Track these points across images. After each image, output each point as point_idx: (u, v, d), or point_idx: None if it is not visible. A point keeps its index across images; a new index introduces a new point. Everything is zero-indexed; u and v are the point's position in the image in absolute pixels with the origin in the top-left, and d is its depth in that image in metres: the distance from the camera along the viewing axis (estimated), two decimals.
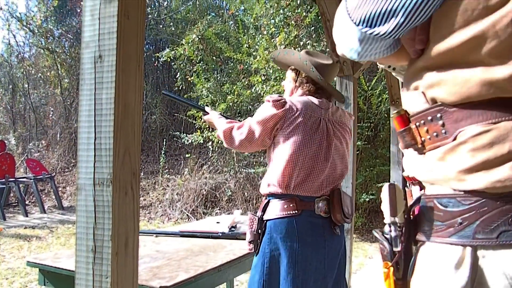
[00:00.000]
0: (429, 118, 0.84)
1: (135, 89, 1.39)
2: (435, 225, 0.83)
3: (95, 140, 1.34)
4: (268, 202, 1.95)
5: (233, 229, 2.59)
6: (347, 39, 0.88)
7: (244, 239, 2.48)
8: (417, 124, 0.87)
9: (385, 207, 0.93)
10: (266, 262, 1.87)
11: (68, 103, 12.83)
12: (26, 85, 13.43)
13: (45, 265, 1.91)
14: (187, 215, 8.40)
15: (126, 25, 1.34)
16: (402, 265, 0.92)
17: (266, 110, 1.98)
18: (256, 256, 1.93)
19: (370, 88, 7.86)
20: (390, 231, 0.93)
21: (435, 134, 0.84)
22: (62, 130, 12.54)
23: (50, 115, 13.30)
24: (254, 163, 8.48)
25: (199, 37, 9.05)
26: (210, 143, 8.56)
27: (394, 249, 0.92)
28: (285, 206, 1.90)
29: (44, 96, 13.71)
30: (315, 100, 2.03)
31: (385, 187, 0.95)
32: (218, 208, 8.48)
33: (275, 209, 1.91)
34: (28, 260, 1.98)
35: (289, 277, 1.84)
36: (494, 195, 0.75)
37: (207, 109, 2.45)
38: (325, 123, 2.00)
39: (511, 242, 0.72)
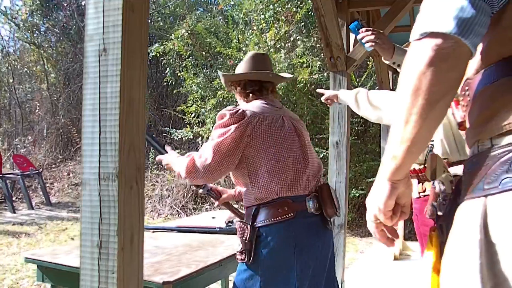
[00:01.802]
0: None
1: (140, 83, 1.37)
2: (463, 187, 0.94)
3: (99, 134, 1.32)
4: (258, 208, 1.85)
5: (230, 224, 2.58)
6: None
7: None
8: None
9: (427, 171, 1.12)
10: (263, 272, 1.78)
11: (55, 98, 12.68)
12: (12, 80, 13.25)
13: (44, 261, 1.89)
14: (177, 210, 8.38)
15: (130, 18, 1.33)
16: (445, 228, 1.00)
17: (225, 124, 1.86)
18: (248, 264, 1.80)
19: (360, 84, 7.90)
20: (438, 196, 1.10)
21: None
22: (48, 125, 12.41)
23: (36, 111, 13.14)
24: None
25: (188, 32, 9.00)
26: (200, 138, 8.53)
27: (439, 213, 1.08)
28: (279, 210, 1.81)
29: (30, 91, 13.54)
30: (265, 102, 2.00)
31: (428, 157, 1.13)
32: (208, 203, 8.47)
33: (268, 214, 1.82)
34: (26, 257, 1.96)
35: (288, 281, 1.78)
36: (494, 149, 0.86)
37: (167, 148, 2.22)
38: (287, 120, 1.97)
39: (510, 187, 0.82)
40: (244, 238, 1.80)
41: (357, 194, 7.49)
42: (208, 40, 8.79)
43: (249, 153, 1.87)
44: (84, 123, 1.36)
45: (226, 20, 9.53)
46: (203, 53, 9.24)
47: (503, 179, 0.83)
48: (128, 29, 1.32)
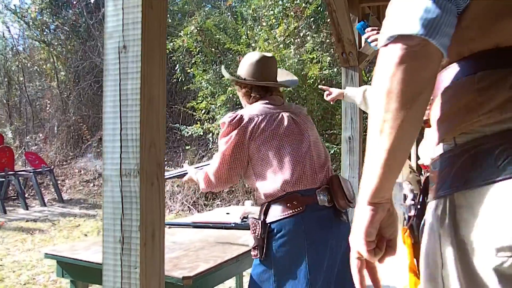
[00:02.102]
0: None
1: (159, 79, 1.39)
2: (430, 187, 0.93)
3: (121, 131, 1.34)
4: (269, 204, 1.88)
5: (245, 219, 2.59)
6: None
7: None
8: None
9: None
10: (276, 267, 1.81)
11: (65, 95, 12.76)
12: (22, 78, 13.34)
13: (63, 256, 1.92)
14: (188, 207, 8.41)
15: (150, 15, 1.34)
16: (416, 228, 1.00)
17: (227, 133, 1.94)
18: (261, 260, 1.83)
19: (369, 79, 7.87)
20: (406, 198, 1.05)
21: None
22: (59, 123, 12.48)
23: (47, 108, 13.23)
24: None
25: (198, 28, 9.00)
26: (210, 134, 8.55)
27: (409, 214, 1.02)
28: (288, 205, 1.82)
29: (40, 89, 13.62)
30: (265, 103, 2.02)
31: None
32: (219, 199, 8.49)
33: (278, 210, 1.84)
34: (46, 252, 1.99)
35: (300, 274, 1.79)
36: (458, 147, 0.86)
37: (185, 166, 2.36)
38: (287, 116, 1.98)
39: (474, 184, 0.82)
40: (256, 234, 1.83)
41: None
42: (218, 36, 8.80)
43: (252, 154, 1.92)
44: (105, 120, 1.37)
45: (235, 16, 9.53)
46: (213, 49, 9.25)
47: (468, 177, 0.83)
48: (148, 26, 1.33)
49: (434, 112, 0.95)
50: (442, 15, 0.80)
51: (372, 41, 2.16)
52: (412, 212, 1.02)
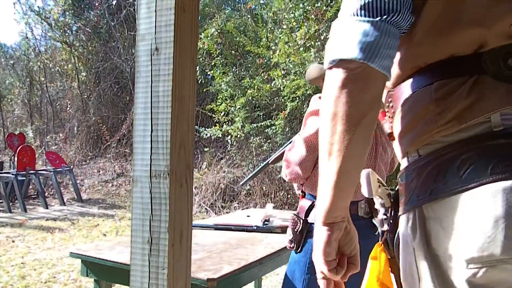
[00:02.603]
0: None
1: (190, 81, 1.39)
2: (400, 200, 0.94)
3: (151, 132, 1.34)
4: (313, 205, 1.94)
5: (266, 222, 2.59)
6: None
7: (279, 233, 2.50)
8: None
9: (364, 189, 1.05)
10: (309, 261, 1.88)
11: (85, 96, 12.92)
12: (43, 79, 13.53)
13: (89, 256, 1.94)
14: (206, 209, 8.43)
15: (182, 17, 1.34)
16: (390, 242, 0.98)
17: (312, 113, 1.96)
18: (297, 253, 1.95)
19: None
20: (378, 212, 1.05)
21: None
22: (79, 123, 12.64)
23: (67, 108, 13.40)
24: None
25: (218, 31, 9.04)
26: (229, 137, 8.57)
27: (382, 229, 1.03)
28: None
29: (61, 89, 13.81)
30: None
31: (362, 174, 1.03)
32: (236, 202, 8.50)
33: None
34: (71, 252, 2.01)
35: None
36: (422, 158, 0.86)
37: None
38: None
39: (439, 196, 0.82)
40: (295, 229, 1.93)
41: None
42: (238, 39, 8.82)
43: None
44: (136, 121, 1.38)
45: (255, 19, 9.54)
46: (233, 51, 9.28)
47: (433, 188, 0.83)
48: (180, 29, 1.33)
49: (396, 124, 0.95)
50: (381, 38, 0.81)
51: None
52: (385, 227, 1.01)
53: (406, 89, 0.91)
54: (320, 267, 0.94)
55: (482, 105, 0.80)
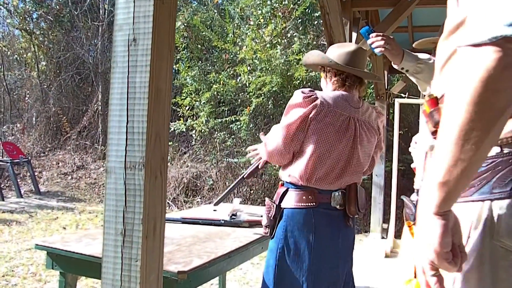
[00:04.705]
0: None
1: (167, 73, 1.39)
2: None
3: (127, 123, 1.33)
4: (287, 190, 1.99)
5: (234, 217, 2.60)
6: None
7: (246, 227, 2.52)
8: None
9: (418, 173, 1.03)
10: (280, 248, 1.93)
11: (45, 86, 12.56)
12: (0, 67, 13.08)
13: (55, 248, 1.90)
14: (168, 203, 8.37)
15: (161, 8, 1.34)
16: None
17: (295, 106, 1.95)
18: (271, 240, 2.00)
19: None
20: (417, 195, 1.03)
21: None
22: (38, 114, 12.29)
23: (26, 98, 13.00)
24: (236, 153, 8.49)
25: (185, 24, 8.97)
26: (193, 131, 8.53)
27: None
28: (304, 198, 1.94)
29: (19, 78, 13.38)
30: (346, 97, 2.01)
31: (422, 155, 1.01)
32: (199, 197, 8.47)
33: (293, 199, 1.95)
34: (36, 243, 1.96)
35: (304, 265, 1.90)
36: (506, 155, 0.87)
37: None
38: (354, 122, 1.99)
39: None
40: (269, 215, 1.99)
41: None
42: (204, 33, 8.78)
43: (306, 135, 1.96)
44: (111, 112, 1.37)
45: (222, 14, 9.52)
46: (199, 46, 9.23)
47: None
48: (159, 20, 1.33)
49: None
50: None
51: (377, 47, 2.12)
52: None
53: None
54: (437, 261, 0.84)
55: None
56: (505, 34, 0.71)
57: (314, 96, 1.93)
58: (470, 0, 0.78)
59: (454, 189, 0.80)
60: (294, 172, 1.97)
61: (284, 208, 1.97)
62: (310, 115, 1.91)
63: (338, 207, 1.97)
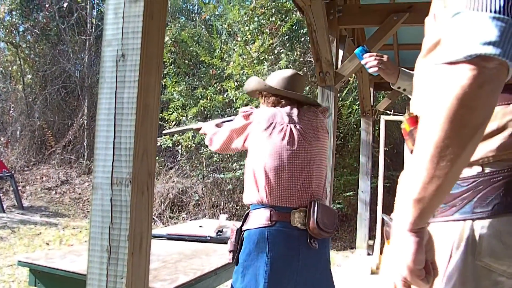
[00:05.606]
0: None
1: (155, 89, 1.39)
2: (440, 207, 0.93)
3: (114, 139, 1.33)
4: (248, 213, 1.98)
5: (220, 233, 2.59)
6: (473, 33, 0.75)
7: None
8: None
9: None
10: (241, 272, 1.89)
11: (30, 99, 12.45)
12: None
13: (38, 265, 1.87)
14: (153, 219, 8.30)
15: (150, 25, 1.34)
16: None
17: (237, 120, 2.12)
18: (236, 265, 1.94)
19: (340, 99, 8.01)
20: None
21: None
22: (22, 127, 12.15)
23: (11, 112, 12.86)
24: (222, 169, 8.47)
25: (172, 39, 9.00)
26: (180, 146, 8.50)
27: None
28: (259, 217, 1.90)
29: (4, 91, 13.25)
30: (281, 109, 2.06)
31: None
32: (185, 212, 8.42)
33: (252, 220, 1.94)
34: (19, 260, 1.93)
35: (260, 286, 1.83)
36: (487, 174, 0.88)
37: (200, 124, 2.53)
38: (294, 129, 1.99)
39: (504, 212, 0.85)
40: (232, 240, 1.96)
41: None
42: (192, 48, 8.80)
43: (248, 151, 2.05)
44: (99, 127, 1.36)
45: (209, 30, 9.57)
46: (186, 61, 9.24)
47: (497, 203, 0.86)
48: (148, 36, 1.34)
49: None
50: None
51: (371, 67, 2.12)
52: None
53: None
54: (409, 278, 0.83)
55: None
56: (480, 53, 0.72)
57: (250, 112, 2.07)
58: (446, 18, 0.79)
59: (429, 205, 0.80)
60: (251, 193, 1.98)
61: (244, 231, 1.94)
62: (248, 128, 2.05)
63: (299, 225, 1.90)
